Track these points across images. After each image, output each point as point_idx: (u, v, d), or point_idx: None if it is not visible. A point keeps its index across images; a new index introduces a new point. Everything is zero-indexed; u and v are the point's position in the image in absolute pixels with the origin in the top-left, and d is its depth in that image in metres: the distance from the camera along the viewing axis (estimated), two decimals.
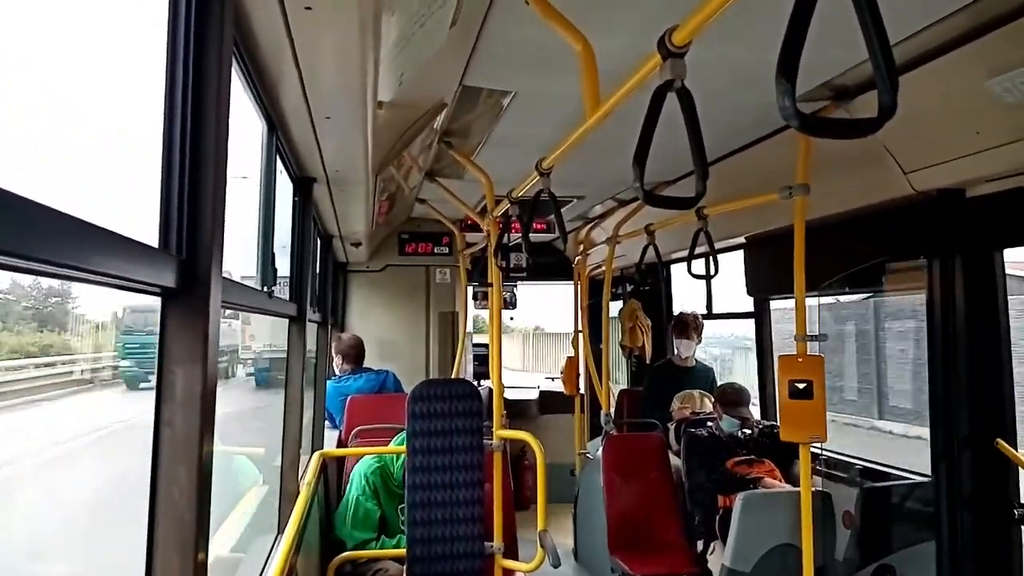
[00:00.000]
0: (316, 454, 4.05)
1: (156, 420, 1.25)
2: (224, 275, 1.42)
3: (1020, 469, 3.06)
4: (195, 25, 1.26)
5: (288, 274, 3.18)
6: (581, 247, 6.39)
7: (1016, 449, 3.04)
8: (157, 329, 1.27)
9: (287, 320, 3.20)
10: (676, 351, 5.51)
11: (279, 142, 2.50)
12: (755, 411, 4.70)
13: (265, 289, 2.43)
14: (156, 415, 1.25)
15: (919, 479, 3.64)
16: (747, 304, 5.14)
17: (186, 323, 1.25)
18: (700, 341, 5.49)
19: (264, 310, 2.48)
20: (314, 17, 1.53)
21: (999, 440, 3.04)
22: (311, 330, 3.88)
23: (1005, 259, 3.12)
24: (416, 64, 2.37)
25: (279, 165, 2.59)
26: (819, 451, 3.96)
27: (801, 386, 3.03)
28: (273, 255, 2.47)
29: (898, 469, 3.89)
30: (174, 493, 1.26)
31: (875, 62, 1.09)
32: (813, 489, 3.09)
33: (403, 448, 3.65)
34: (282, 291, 3.00)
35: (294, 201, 3.19)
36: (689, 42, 1.51)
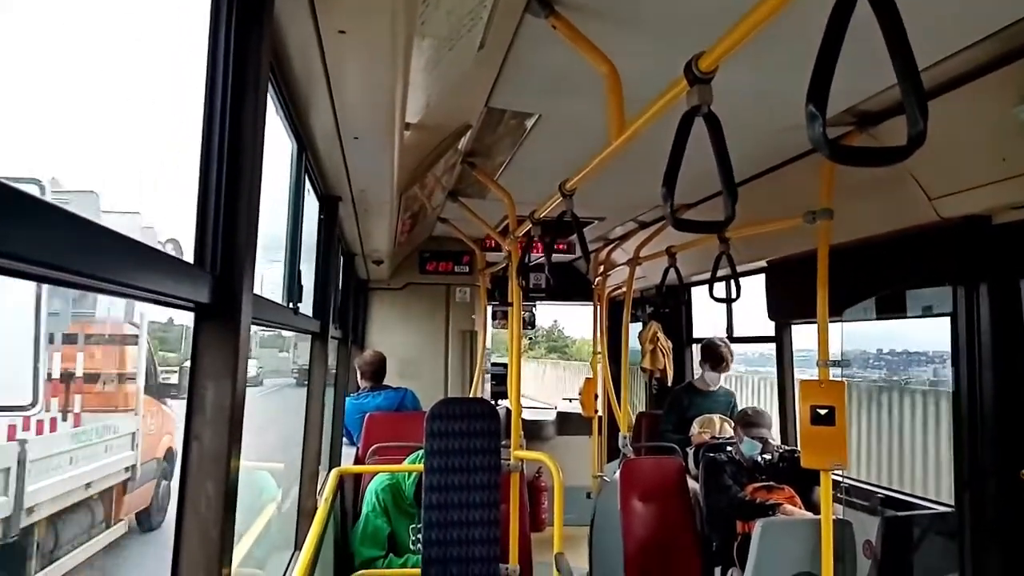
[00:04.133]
0: (334, 471, 4.06)
1: (186, 434, 1.27)
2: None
3: None
4: (234, 50, 1.29)
5: (312, 291, 3.21)
6: (601, 268, 6.39)
7: None
8: None
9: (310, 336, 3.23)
10: (699, 375, 5.47)
11: (307, 161, 2.54)
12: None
13: (290, 305, 2.46)
14: (186, 429, 1.27)
15: (942, 509, 3.58)
16: (767, 327, 5.11)
17: (218, 338, 1.27)
18: (728, 369, 5.43)
19: (290, 326, 2.51)
20: (348, 41, 1.57)
21: None
22: (332, 347, 3.91)
23: None
24: (443, 86, 2.41)
25: (306, 184, 2.63)
26: (840, 478, 3.91)
27: (823, 412, 3.00)
28: (300, 272, 2.50)
29: (920, 498, 3.83)
30: (201, 506, 1.27)
31: (905, 91, 1.09)
32: (834, 517, 3.05)
33: (418, 466, 3.64)
34: (305, 307, 3.04)
35: (319, 219, 3.23)
36: (716, 68, 1.52)
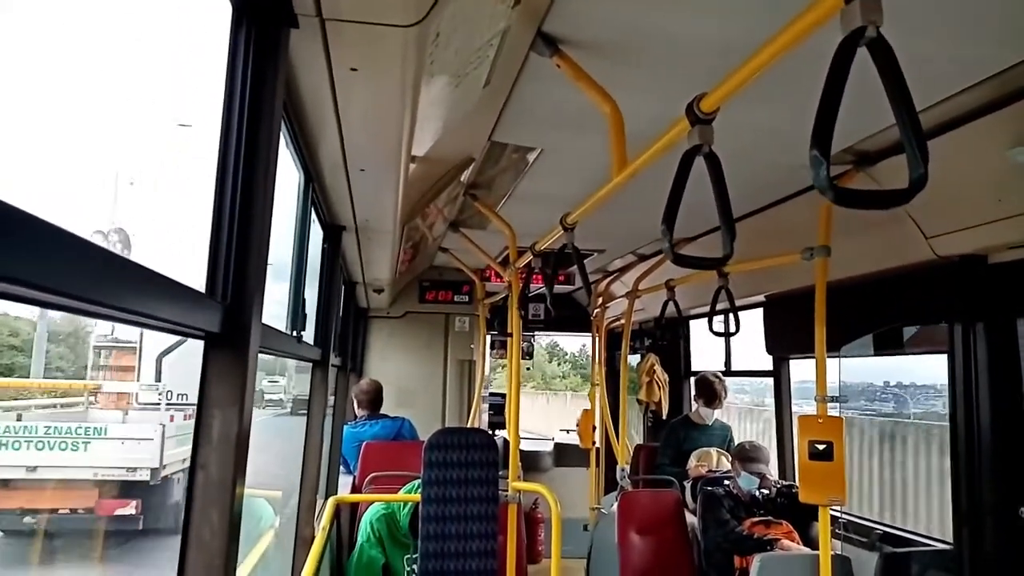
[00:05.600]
0: (331, 499, 4.04)
1: (192, 462, 1.28)
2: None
3: None
4: (250, 89, 1.32)
5: (313, 318, 3.23)
6: (600, 300, 6.41)
7: None
8: None
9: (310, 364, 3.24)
10: (694, 409, 5.46)
11: (314, 191, 2.57)
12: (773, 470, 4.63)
13: (294, 333, 2.48)
14: (192, 457, 1.28)
15: (941, 546, 3.57)
16: (766, 361, 5.11)
17: (227, 367, 1.29)
18: (722, 405, 5.42)
19: (293, 354, 2.52)
20: (359, 78, 1.61)
21: None
22: (331, 374, 3.91)
23: None
24: (449, 121, 2.45)
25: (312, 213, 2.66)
26: (839, 514, 3.90)
27: (821, 447, 3.00)
28: (304, 300, 2.52)
29: (919, 535, 3.81)
30: (205, 535, 1.28)
31: (905, 136, 1.12)
32: (832, 553, 3.04)
33: (414, 496, 3.62)
34: (307, 335, 3.05)
35: (323, 248, 3.26)
36: (717, 109, 1.56)
